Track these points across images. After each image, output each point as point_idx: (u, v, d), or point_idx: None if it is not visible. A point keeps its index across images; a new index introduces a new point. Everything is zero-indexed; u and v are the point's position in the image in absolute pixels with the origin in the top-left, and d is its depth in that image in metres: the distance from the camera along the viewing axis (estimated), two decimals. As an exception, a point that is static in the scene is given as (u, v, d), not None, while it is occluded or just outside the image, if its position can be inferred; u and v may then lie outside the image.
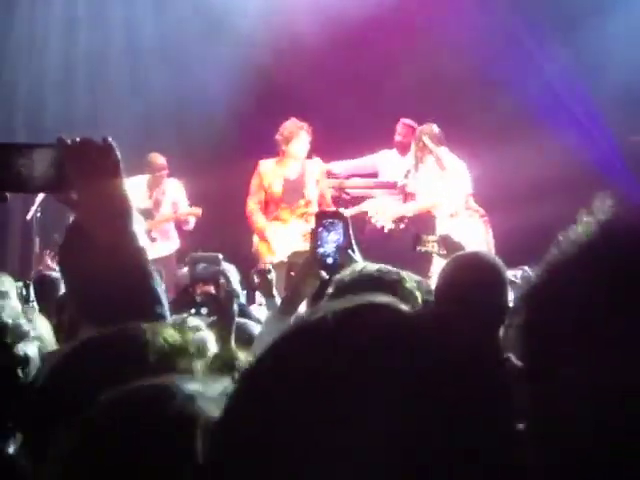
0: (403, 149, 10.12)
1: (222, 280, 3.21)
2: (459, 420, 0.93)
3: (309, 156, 9.50)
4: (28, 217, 9.37)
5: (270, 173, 9.42)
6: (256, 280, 8.42)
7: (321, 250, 3.30)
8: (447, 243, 6.03)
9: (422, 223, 9.18)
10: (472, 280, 3.62)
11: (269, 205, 9.43)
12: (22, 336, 2.39)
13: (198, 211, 10.26)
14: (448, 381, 0.94)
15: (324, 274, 3.29)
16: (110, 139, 1.93)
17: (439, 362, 0.95)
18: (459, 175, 9.36)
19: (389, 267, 3.09)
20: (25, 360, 2.28)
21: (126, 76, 11.86)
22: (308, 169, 9.44)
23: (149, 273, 1.98)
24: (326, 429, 0.93)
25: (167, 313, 2.01)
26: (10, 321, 2.43)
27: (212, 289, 3.15)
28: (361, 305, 1.03)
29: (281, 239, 9.28)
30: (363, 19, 11.20)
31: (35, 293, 5.33)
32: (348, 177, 9.98)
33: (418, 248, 6.45)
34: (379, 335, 0.98)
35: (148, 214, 10.11)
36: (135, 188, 10.11)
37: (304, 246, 9.27)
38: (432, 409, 0.92)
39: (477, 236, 9.02)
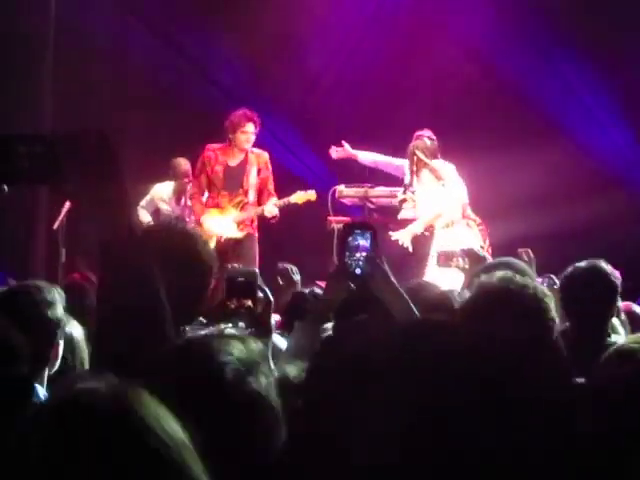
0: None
1: (260, 294, 3.21)
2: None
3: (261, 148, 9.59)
4: (55, 226, 9.40)
5: (213, 159, 9.49)
6: (280, 282, 8.34)
7: (349, 260, 3.29)
8: (471, 256, 6.02)
9: (420, 234, 9.22)
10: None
11: (211, 191, 9.49)
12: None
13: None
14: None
15: (352, 285, 3.29)
16: (104, 130, 1.92)
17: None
18: (455, 185, 9.40)
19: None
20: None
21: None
22: (250, 158, 9.48)
23: (149, 269, 1.99)
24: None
25: (169, 322, 2.01)
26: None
27: (249, 303, 3.15)
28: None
29: (216, 226, 9.30)
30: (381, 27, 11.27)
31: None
32: (373, 186, 9.96)
33: (444, 264, 6.46)
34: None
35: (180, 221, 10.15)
36: (162, 194, 10.16)
37: (237, 234, 9.37)
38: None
39: (474, 245, 9.06)
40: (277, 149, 11.91)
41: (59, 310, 3.63)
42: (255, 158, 9.48)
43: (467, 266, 6.07)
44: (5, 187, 1.92)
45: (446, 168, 9.44)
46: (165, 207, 10.21)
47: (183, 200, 10.41)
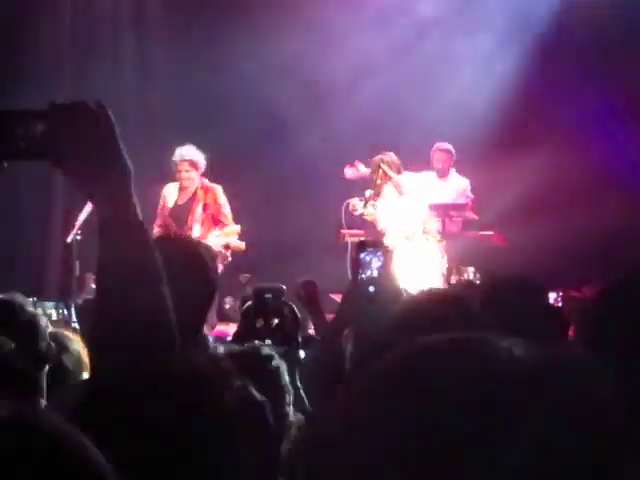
0: (442, 174, 10.24)
1: (287, 312, 3.23)
2: None
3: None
4: (68, 240, 9.41)
5: (167, 197, 9.76)
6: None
7: (363, 278, 3.32)
8: (482, 272, 6.06)
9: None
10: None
11: (167, 228, 9.63)
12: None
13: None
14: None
15: (365, 303, 3.31)
16: (102, 102, 1.87)
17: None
18: (417, 200, 9.48)
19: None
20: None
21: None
22: (198, 195, 9.64)
23: (153, 257, 1.93)
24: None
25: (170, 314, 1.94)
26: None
27: (277, 320, 3.17)
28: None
29: None
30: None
31: (78, 318, 5.42)
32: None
33: (454, 278, 6.49)
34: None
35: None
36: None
37: None
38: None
39: (431, 259, 9.12)
40: (291, 161, 11.93)
41: (38, 315, 3.71)
42: (202, 194, 9.63)
43: (478, 281, 6.08)
44: (4, 164, 1.89)
45: (411, 183, 9.58)
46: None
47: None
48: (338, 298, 8.47)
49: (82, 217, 9.01)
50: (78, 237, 9.23)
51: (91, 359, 2.12)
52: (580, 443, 0.93)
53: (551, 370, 0.98)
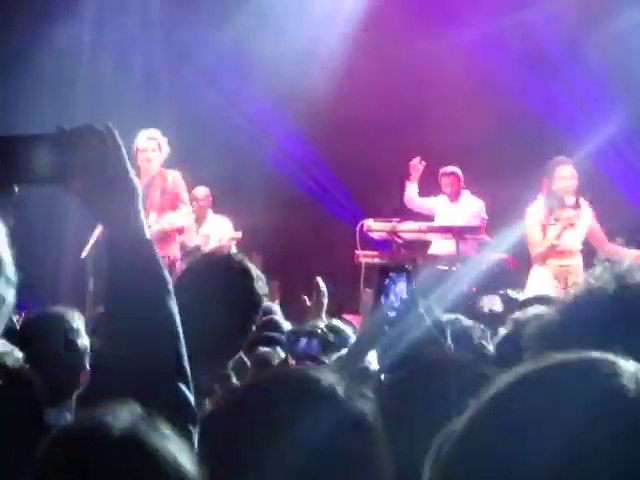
0: (454, 197, 10.24)
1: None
2: None
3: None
4: (83, 255, 9.36)
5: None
6: (308, 301, 8.39)
7: (386, 303, 3.28)
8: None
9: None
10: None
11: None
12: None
13: (237, 235, 10.33)
14: None
15: (386, 329, 3.27)
16: (110, 124, 1.89)
17: None
18: None
19: None
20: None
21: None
22: (155, 181, 9.41)
23: (161, 273, 1.92)
24: None
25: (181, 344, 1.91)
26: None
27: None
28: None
29: None
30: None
31: (92, 335, 5.39)
32: (401, 221, 9.94)
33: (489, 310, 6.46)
34: None
35: (197, 251, 10.09)
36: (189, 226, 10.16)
37: None
38: None
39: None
40: (305, 183, 11.95)
41: (85, 337, 3.69)
42: (160, 179, 9.44)
43: (500, 310, 6.07)
44: (15, 188, 1.89)
45: None
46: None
47: (202, 230, 10.44)
48: (351, 319, 8.44)
49: (96, 232, 8.95)
50: (93, 252, 9.18)
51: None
52: None
53: None
